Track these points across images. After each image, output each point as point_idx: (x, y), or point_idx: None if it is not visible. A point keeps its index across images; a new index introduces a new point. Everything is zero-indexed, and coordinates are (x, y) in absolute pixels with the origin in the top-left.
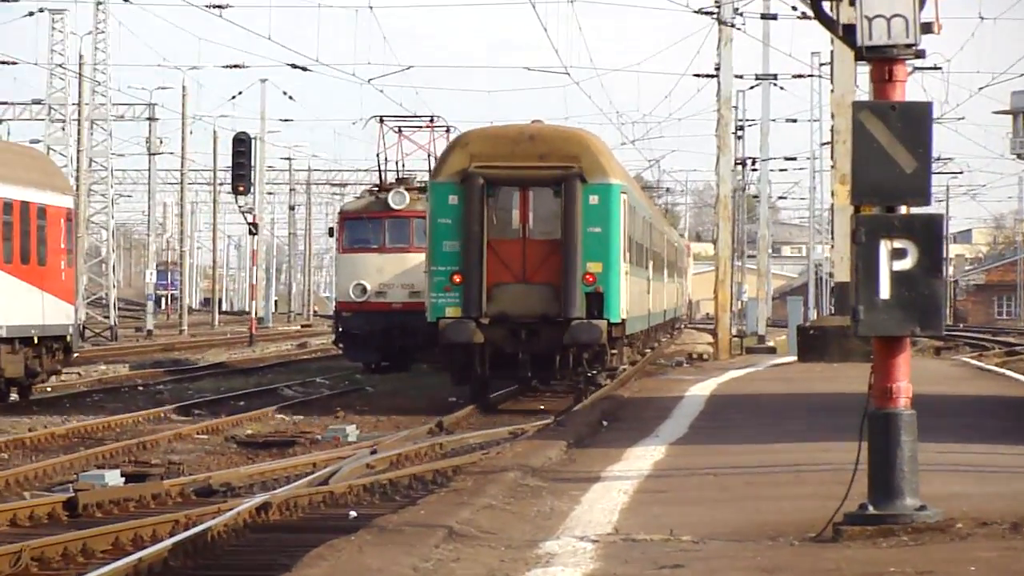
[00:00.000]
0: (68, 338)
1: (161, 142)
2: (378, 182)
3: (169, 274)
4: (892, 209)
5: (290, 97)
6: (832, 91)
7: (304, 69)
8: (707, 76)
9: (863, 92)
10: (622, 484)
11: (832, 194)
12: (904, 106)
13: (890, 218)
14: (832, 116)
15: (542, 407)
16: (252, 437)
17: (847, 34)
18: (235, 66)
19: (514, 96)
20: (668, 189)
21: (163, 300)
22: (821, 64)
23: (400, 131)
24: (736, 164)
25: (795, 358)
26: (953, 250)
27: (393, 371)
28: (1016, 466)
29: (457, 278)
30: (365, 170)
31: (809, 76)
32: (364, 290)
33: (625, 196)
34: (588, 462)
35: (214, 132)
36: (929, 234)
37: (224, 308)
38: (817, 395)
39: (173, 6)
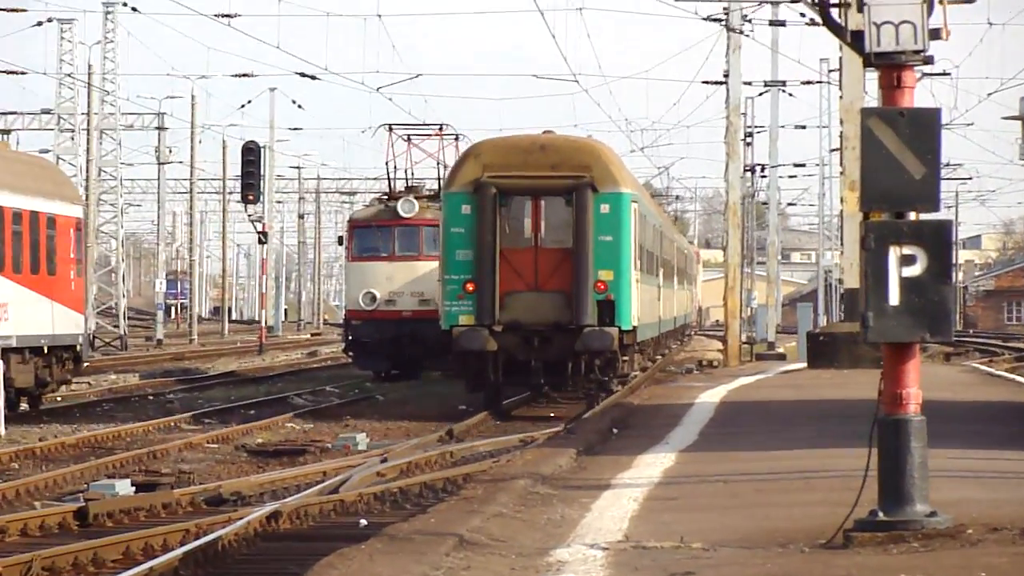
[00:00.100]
0: (78, 347)
1: (170, 151)
2: (387, 190)
3: (179, 283)
4: (901, 215)
5: (299, 106)
6: (841, 97)
7: (313, 78)
8: (716, 83)
9: (872, 98)
10: (632, 491)
11: (841, 200)
12: (913, 112)
13: (899, 224)
14: (841, 122)
15: (552, 414)
16: (262, 446)
17: (856, 40)
18: (244, 75)
19: (523, 104)
20: (677, 196)
21: (173, 309)
22: (830, 70)
23: (409, 139)
24: (745, 171)
25: (805, 364)
26: (962, 256)
27: (403, 379)
28: None
29: (470, 287)
30: (374, 178)
31: (818, 82)
32: (374, 298)
33: (636, 205)
34: (598, 469)
35: (223, 141)
36: (938, 240)
37: (234, 317)
38: (827, 401)
39: (182, 15)
